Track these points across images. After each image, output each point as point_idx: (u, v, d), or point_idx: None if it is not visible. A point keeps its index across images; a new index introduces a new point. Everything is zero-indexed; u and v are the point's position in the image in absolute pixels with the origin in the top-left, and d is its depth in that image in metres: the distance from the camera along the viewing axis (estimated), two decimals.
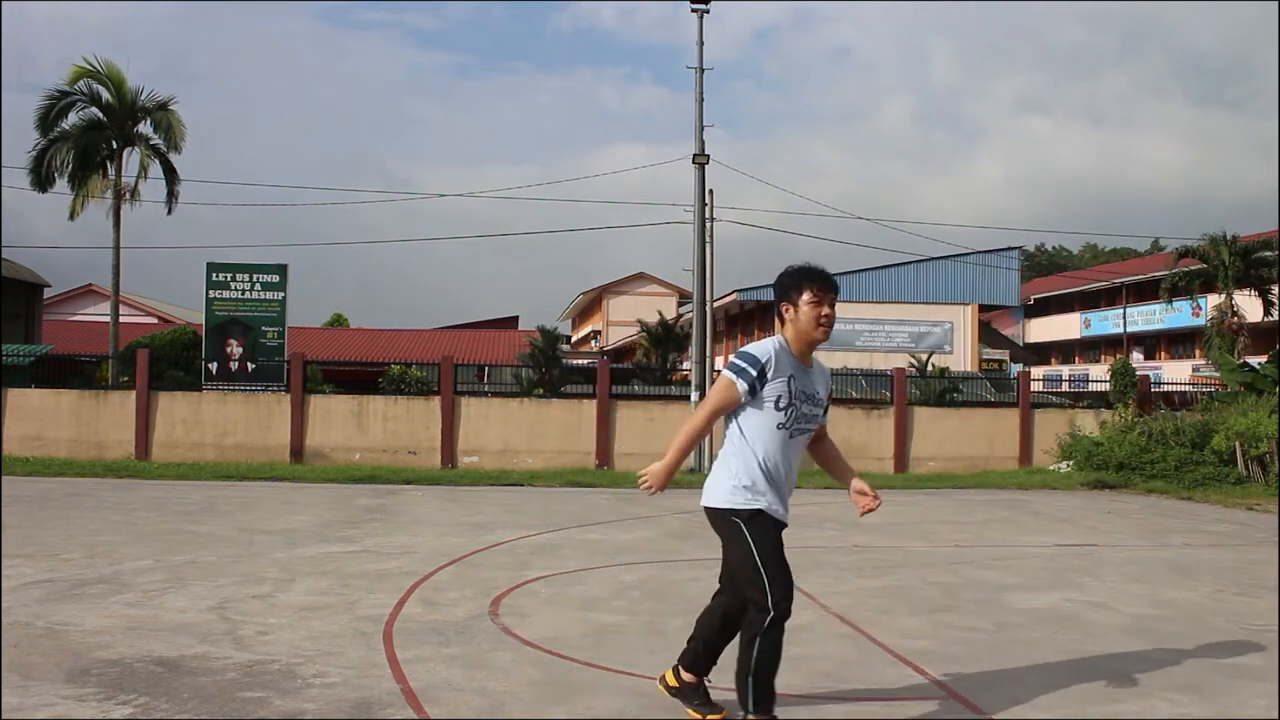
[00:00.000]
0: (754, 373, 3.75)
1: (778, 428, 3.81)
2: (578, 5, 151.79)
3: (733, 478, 3.84)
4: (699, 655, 4.09)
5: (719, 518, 3.86)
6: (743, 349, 3.84)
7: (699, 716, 4.05)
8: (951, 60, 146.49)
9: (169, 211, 23.62)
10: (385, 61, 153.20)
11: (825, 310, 3.79)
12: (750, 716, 3.73)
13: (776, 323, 3.93)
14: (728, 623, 3.98)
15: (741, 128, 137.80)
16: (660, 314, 35.33)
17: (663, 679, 4.24)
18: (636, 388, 22.21)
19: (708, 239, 19.25)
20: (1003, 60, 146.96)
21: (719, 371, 26.63)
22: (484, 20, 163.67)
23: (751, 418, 3.81)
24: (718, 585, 4.12)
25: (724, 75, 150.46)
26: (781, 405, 3.79)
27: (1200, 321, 34.03)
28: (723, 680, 4.07)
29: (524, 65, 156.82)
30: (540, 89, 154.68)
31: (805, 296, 3.79)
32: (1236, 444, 16.11)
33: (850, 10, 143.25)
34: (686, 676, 4.13)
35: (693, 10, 19.28)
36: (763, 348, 3.80)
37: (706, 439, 18.20)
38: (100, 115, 22.89)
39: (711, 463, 19.23)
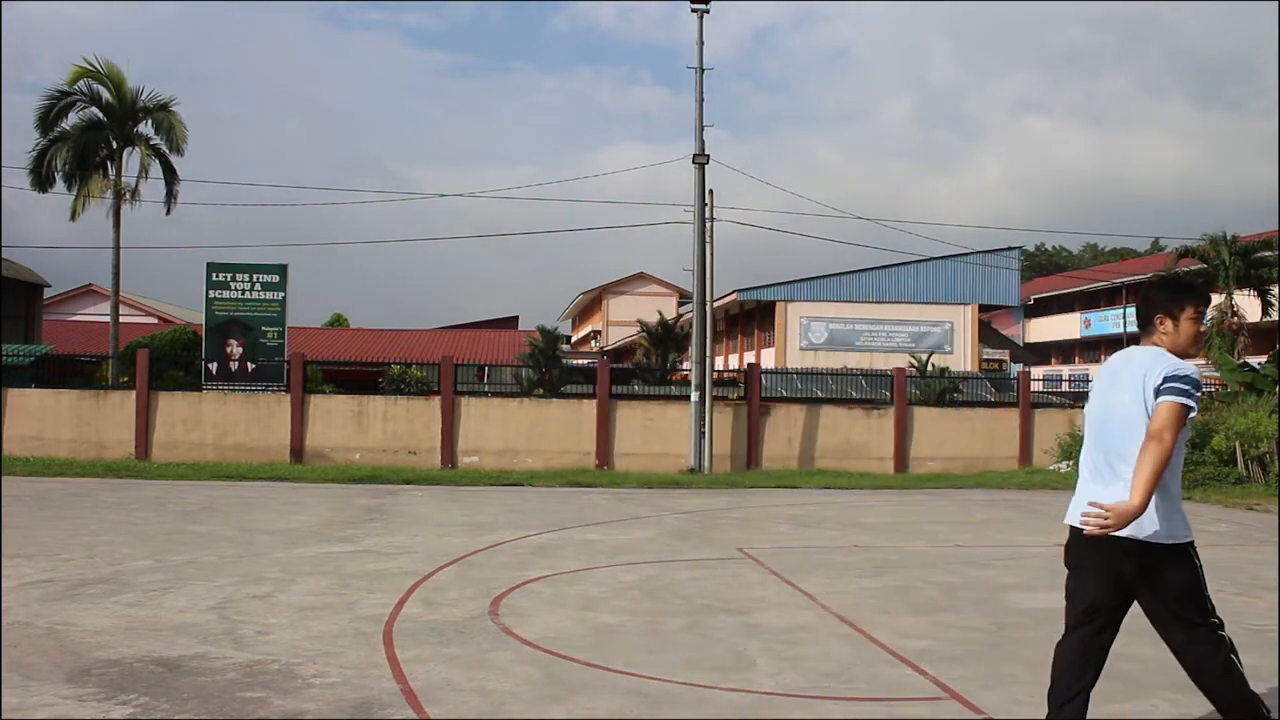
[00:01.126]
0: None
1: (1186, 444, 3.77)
2: (576, 5, 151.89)
3: (1178, 504, 3.68)
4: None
5: (1180, 551, 3.63)
6: (1184, 372, 3.57)
7: None
8: (952, 60, 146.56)
9: (168, 212, 23.64)
10: (385, 61, 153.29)
11: (1203, 328, 3.85)
12: None
13: (1145, 331, 3.80)
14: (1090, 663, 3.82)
15: (741, 128, 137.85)
16: (660, 314, 35.30)
17: None
18: (636, 388, 22.19)
19: (708, 239, 19.24)
20: (1003, 60, 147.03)
21: (734, 371, 26.50)
22: (483, 20, 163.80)
23: (1182, 438, 3.61)
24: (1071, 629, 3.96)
25: (724, 75, 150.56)
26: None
27: None
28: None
29: (523, 65, 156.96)
30: (539, 89, 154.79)
31: (1188, 313, 3.70)
32: (1236, 444, 16.10)
33: (850, 10, 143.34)
34: None
35: (693, 10, 19.28)
36: (1193, 369, 3.66)
37: (706, 437, 18.19)
38: (100, 115, 22.88)
39: (712, 463, 19.17)
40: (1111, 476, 3.68)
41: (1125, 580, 3.68)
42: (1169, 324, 3.72)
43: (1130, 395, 3.65)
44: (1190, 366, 3.63)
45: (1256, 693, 3.67)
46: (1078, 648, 3.87)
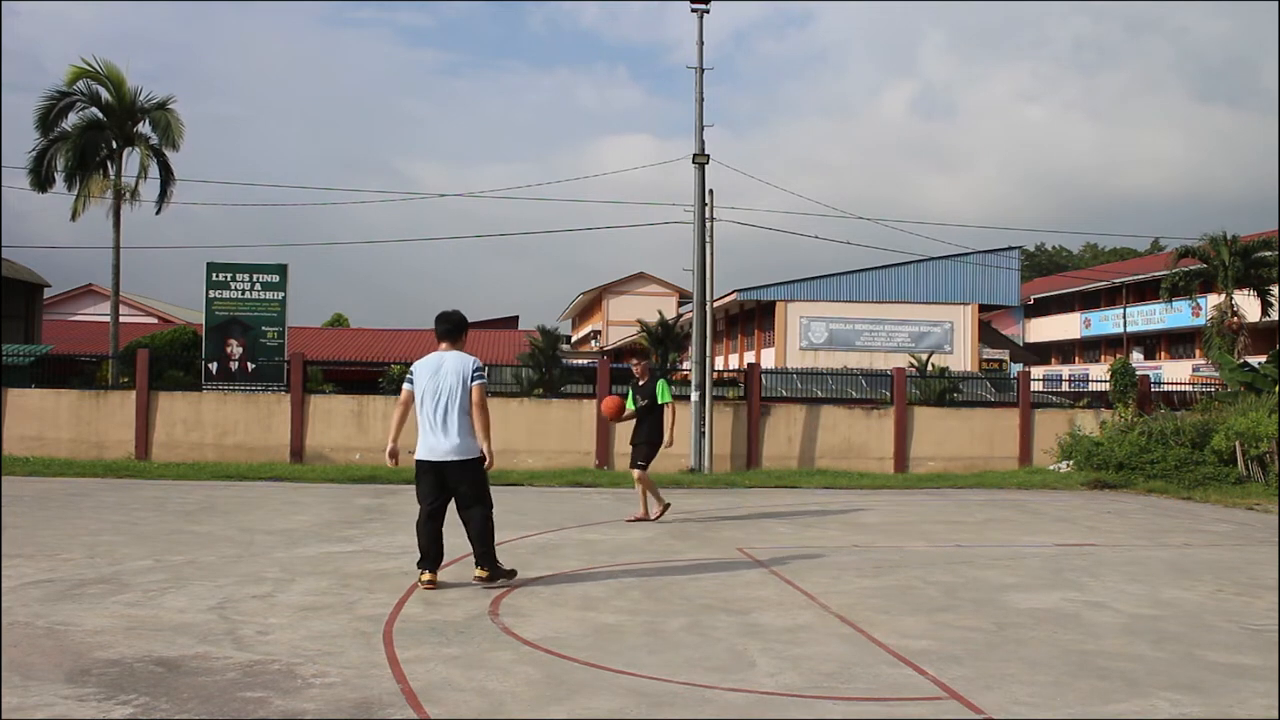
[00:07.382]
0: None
1: None
2: (572, 5, 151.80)
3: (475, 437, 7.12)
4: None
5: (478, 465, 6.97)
6: (481, 364, 7.28)
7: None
8: (951, 56, 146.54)
9: (157, 211, 23.63)
10: (379, 60, 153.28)
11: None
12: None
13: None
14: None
15: (742, 127, 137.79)
16: (660, 314, 35.38)
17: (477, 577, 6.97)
18: None
19: (708, 239, 19.23)
20: (1004, 58, 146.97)
21: (734, 371, 26.68)
22: (475, 18, 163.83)
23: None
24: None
25: (723, 75, 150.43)
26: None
27: (1200, 321, 34.07)
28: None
29: (518, 64, 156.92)
30: (536, 87, 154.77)
31: (467, 334, 7.55)
32: (1236, 444, 16.09)
33: (850, 10, 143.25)
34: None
35: (693, 10, 19.24)
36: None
37: (706, 437, 18.21)
38: (100, 115, 22.88)
39: (712, 463, 19.35)
40: (443, 430, 7.08)
41: (449, 480, 6.97)
42: (463, 339, 7.27)
43: (455, 379, 7.10)
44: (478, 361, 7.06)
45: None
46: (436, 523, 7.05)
